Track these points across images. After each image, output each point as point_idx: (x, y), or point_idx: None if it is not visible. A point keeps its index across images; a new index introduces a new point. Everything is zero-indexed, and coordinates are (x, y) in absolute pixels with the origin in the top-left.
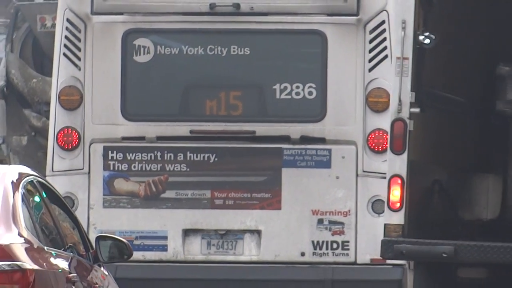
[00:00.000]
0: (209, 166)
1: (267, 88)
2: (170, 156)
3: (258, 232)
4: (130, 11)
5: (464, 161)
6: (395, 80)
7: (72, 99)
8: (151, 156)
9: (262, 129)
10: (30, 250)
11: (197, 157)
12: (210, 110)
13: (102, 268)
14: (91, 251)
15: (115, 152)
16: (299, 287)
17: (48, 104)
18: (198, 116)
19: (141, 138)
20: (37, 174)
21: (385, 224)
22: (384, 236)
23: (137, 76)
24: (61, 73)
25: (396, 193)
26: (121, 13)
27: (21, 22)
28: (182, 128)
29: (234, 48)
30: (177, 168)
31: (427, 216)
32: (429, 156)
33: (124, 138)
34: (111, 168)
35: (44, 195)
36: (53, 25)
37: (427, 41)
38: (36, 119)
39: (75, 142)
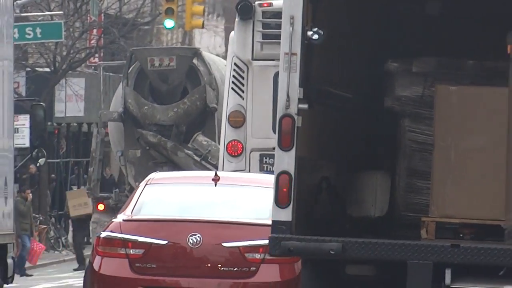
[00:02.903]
0: None
1: None
2: None
3: None
4: (279, 58)
5: (352, 158)
6: (283, 75)
7: (238, 120)
8: None
9: None
10: None
11: None
12: None
13: None
14: None
15: (268, 158)
16: None
17: (156, 125)
18: None
19: None
20: None
21: (273, 221)
22: (272, 233)
23: None
24: (230, 101)
25: (284, 190)
26: (273, 59)
27: (134, 62)
28: None
29: None
30: None
31: (315, 213)
32: (318, 153)
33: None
34: (265, 169)
35: None
36: (160, 65)
37: (315, 36)
38: (152, 136)
39: (240, 151)
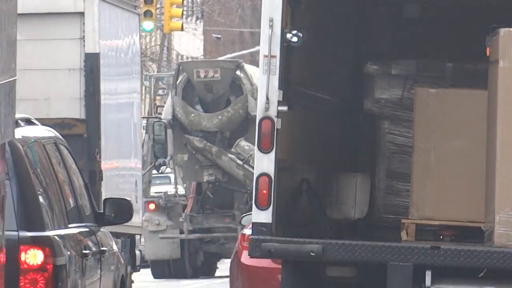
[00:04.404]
0: None
1: None
2: None
3: None
4: None
5: (332, 160)
6: (262, 78)
7: None
8: None
9: None
10: None
11: None
12: None
13: None
14: None
15: None
16: None
17: (202, 131)
18: None
19: None
20: None
21: (253, 223)
22: (252, 235)
23: None
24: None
25: (264, 192)
26: None
27: (181, 74)
28: None
29: None
30: None
31: (295, 215)
32: (298, 155)
33: None
34: None
35: None
36: (205, 76)
37: (294, 39)
38: (198, 141)
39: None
